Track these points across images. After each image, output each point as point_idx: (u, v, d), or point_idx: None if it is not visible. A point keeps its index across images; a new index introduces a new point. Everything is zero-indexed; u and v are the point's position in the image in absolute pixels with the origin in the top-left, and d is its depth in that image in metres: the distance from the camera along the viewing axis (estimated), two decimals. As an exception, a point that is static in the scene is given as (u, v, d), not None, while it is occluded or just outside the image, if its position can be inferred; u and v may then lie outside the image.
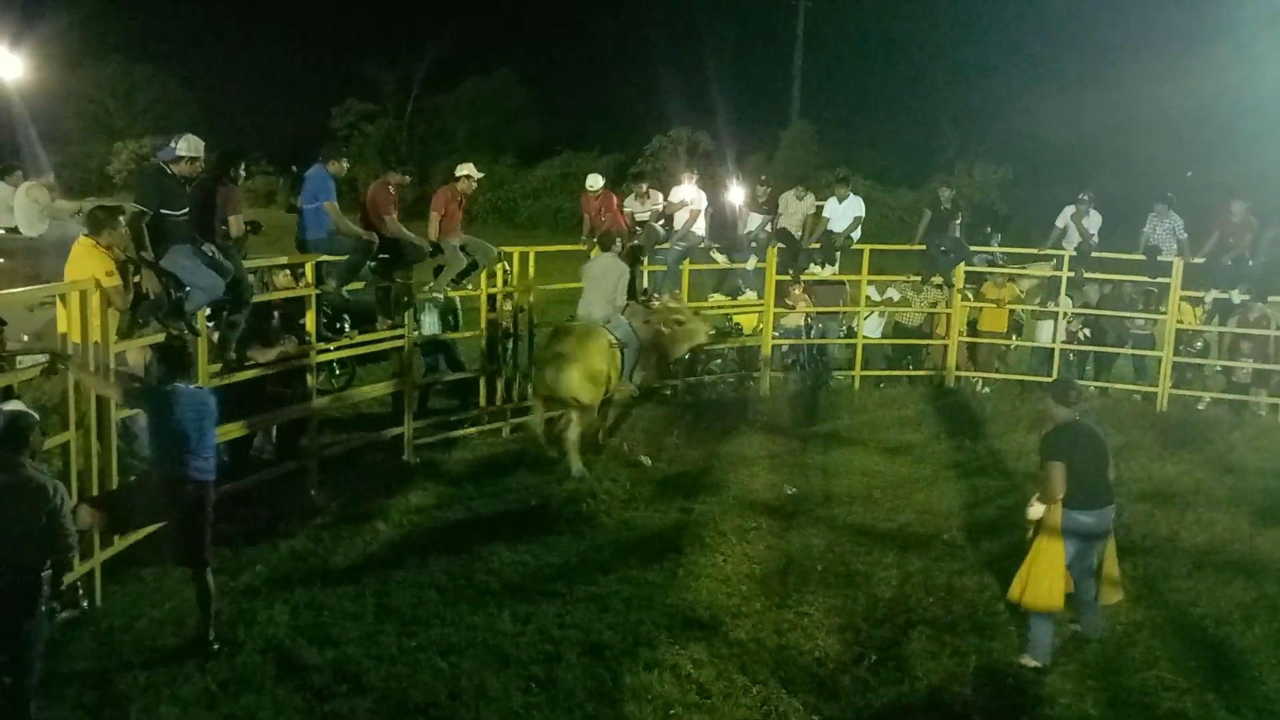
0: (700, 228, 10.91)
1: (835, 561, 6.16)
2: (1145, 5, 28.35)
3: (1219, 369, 10.99)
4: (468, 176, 8.73)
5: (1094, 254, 11.01)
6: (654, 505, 7.12)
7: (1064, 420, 5.08)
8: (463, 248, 8.60)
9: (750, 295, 11.32)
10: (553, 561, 6.02)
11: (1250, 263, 10.43)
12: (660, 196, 11.02)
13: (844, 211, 11.40)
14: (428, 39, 36.94)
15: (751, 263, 11.24)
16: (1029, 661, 4.93)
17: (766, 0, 38.84)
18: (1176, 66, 24.75)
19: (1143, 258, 10.91)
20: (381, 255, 7.81)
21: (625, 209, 10.55)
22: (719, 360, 11.37)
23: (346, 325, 8.60)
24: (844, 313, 11.63)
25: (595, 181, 10.30)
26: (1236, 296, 10.47)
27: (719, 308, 11.35)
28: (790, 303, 11.20)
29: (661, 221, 10.82)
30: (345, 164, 7.78)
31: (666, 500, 7.22)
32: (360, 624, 5.09)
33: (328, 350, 7.89)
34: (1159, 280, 10.74)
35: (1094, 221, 11.11)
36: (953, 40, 36.83)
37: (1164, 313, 10.74)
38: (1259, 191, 11.84)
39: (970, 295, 11.31)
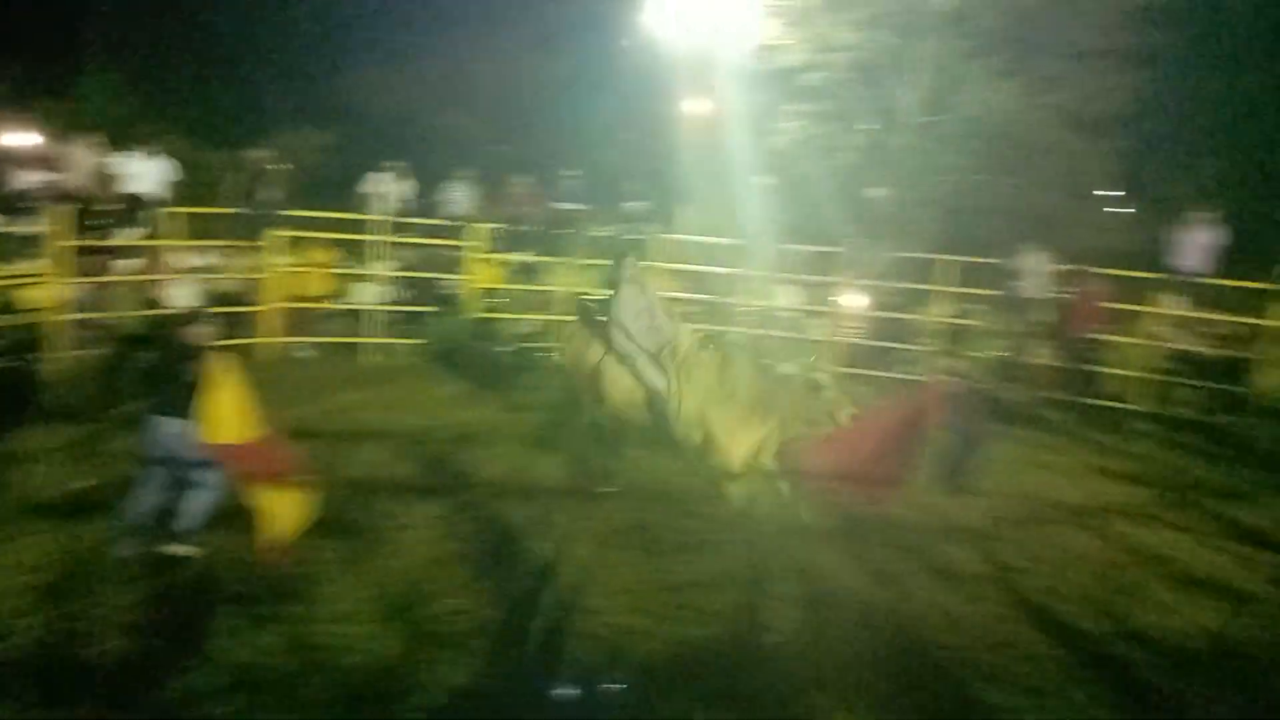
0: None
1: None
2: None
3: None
4: None
5: (410, 219, 11.78)
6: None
7: None
8: None
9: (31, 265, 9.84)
10: None
11: (531, 229, 12.12)
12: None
13: (149, 171, 10.51)
14: None
15: (31, 226, 9.78)
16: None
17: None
18: (489, 45, 27.30)
19: (450, 223, 11.98)
20: None
21: None
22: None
23: None
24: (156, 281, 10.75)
25: None
26: (524, 257, 12.10)
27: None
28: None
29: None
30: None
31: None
32: None
33: None
34: (465, 244, 11.90)
35: (406, 189, 11.86)
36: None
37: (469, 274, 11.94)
38: (546, 167, 13.80)
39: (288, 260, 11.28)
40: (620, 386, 7.17)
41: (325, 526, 5.84)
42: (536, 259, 12.28)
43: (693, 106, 19.07)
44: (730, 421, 6.70)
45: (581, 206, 12.50)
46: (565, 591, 5.40)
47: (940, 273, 11.70)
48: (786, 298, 12.47)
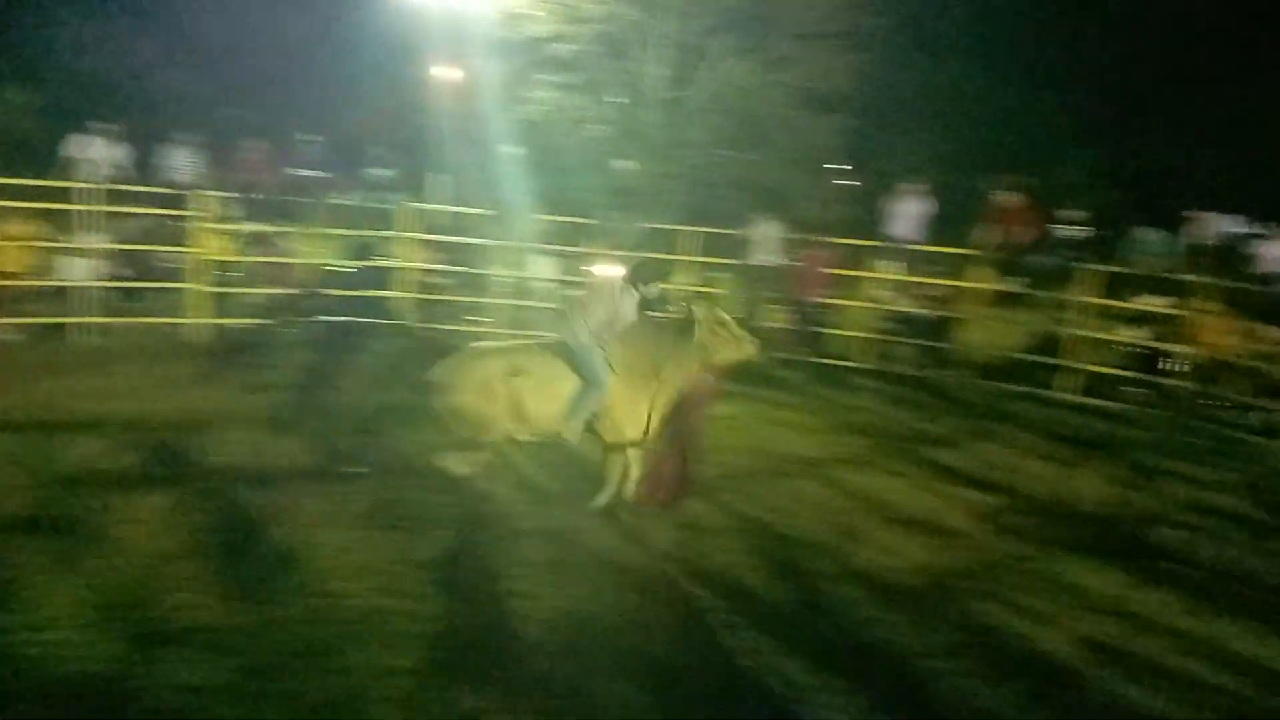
0: None
1: None
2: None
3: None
4: None
5: (127, 187, 10.77)
6: None
7: None
8: None
9: None
10: None
11: (264, 197, 11.43)
12: None
13: None
14: None
15: None
16: None
17: None
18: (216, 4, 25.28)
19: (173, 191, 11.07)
20: None
21: None
22: None
23: None
24: None
25: None
26: (258, 228, 11.39)
27: None
28: None
29: None
30: None
31: None
32: None
33: None
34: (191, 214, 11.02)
35: (119, 154, 10.83)
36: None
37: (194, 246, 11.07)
38: (283, 132, 13.01)
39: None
40: (551, 395, 6.52)
41: (30, 525, 5.29)
42: (273, 229, 11.59)
43: (443, 72, 18.62)
44: (626, 395, 6.48)
45: (321, 174, 11.91)
46: (309, 577, 5.19)
47: (685, 243, 12.15)
48: (541, 269, 12.51)
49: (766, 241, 11.62)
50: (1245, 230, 11.08)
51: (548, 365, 6.52)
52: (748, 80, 17.44)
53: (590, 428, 6.57)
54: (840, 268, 11.83)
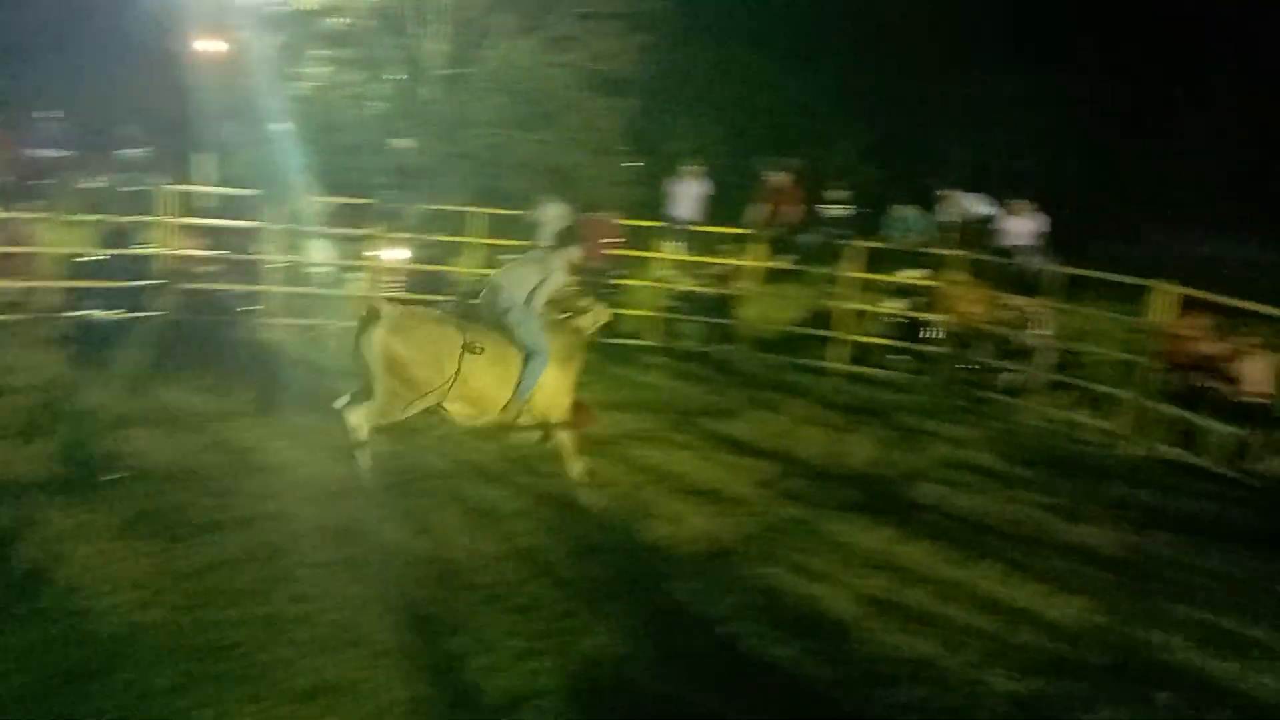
0: None
1: None
2: None
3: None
4: None
5: None
6: None
7: None
8: None
9: None
10: None
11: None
12: None
13: None
14: None
15: None
16: None
17: None
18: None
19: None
20: None
21: None
22: None
23: None
24: None
25: None
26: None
27: None
28: None
29: None
30: None
31: None
32: None
33: None
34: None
35: None
36: None
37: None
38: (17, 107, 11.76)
39: None
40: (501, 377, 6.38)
41: None
42: (7, 215, 10.39)
43: (207, 45, 17.32)
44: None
45: (65, 153, 10.80)
46: (62, 596, 4.74)
47: (471, 225, 11.96)
48: (318, 252, 11.93)
49: (555, 222, 11.59)
50: (990, 208, 12.04)
51: (497, 343, 6.37)
52: (530, 59, 17.34)
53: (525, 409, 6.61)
54: (625, 245, 11.99)
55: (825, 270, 11.53)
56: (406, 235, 11.82)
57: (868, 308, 11.65)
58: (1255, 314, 8.59)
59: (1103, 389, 9.63)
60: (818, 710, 4.50)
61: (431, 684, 4.32)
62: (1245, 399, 8.48)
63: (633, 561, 5.77)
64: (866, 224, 11.87)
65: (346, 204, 12.31)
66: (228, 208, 11.82)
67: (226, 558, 5.27)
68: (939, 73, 25.51)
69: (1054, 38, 25.66)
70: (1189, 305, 9.14)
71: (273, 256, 11.21)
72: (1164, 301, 9.00)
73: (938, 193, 12.47)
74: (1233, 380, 8.58)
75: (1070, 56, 25.16)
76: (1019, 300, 10.61)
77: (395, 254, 12.00)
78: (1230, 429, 8.39)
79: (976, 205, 12.10)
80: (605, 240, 11.59)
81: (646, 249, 12.38)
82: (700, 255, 12.37)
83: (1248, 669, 5.04)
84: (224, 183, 12.66)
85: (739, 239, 12.21)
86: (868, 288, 11.68)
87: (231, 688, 4.12)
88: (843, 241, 11.26)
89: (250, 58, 17.41)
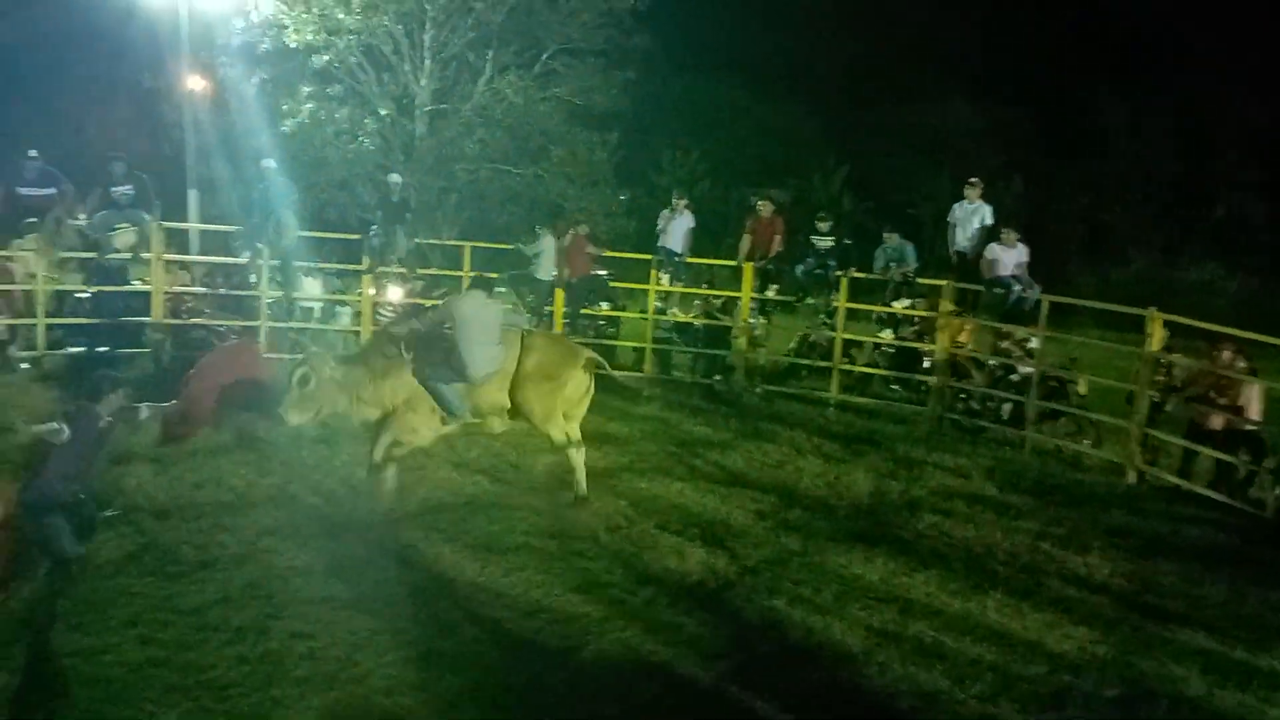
0: None
1: None
2: None
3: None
4: None
5: None
6: None
7: None
8: None
9: None
10: None
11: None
12: None
13: None
14: None
15: None
16: None
17: None
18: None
19: None
20: None
21: None
22: None
23: None
24: None
25: None
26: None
27: None
28: None
29: None
30: None
31: None
32: None
33: None
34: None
35: None
36: None
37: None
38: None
39: None
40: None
41: None
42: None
43: (198, 83, 17.32)
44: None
45: (49, 191, 10.67)
46: (60, 634, 4.65)
47: (462, 258, 11.93)
48: (312, 287, 11.85)
49: (546, 255, 11.56)
50: (981, 238, 11.89)
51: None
52: (516, 95, 17.45)
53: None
54: (599, 252, 12.00)
55: (818, 301, 11.50)
56: (396, 270, 11.74)
57: (863, 338, 11.63)
58: (1230, 338, 8.54)
59: (1099, 417, 9.60)
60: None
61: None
62: (1244, 426, 8.44)
63: (634, 595, 5.70)
64: (852, 254, 11.81)
65: (335, 239, 12.18)
66: (215, 244, 11.71)
67: (225, 594, 5.18)
68: (908, 105, 26.10)
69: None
70: (1174, 331, 9.18)
71: (261, 292, 11.11)
72: (1160, 329, 8.99)
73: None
74: (1233, 408, 8.53)
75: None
76: (1010, 329, 10.59)
77: (389, 289, 11.93)
78: (1229, 457, 8.35)
79: (968, 236, 11.91)
80: (587, 253, 11.61)
81: (636, 281, 12.35)
82: (693, 287, 12.35)
83: (1254, 699, 5.01)
84: (211, 219, 12.56)
85: (729, 270, 12.18)
86: (862, 318, 11.64)
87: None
88: (839, 274, 11.21)
89: (238, 95, 17.46)
